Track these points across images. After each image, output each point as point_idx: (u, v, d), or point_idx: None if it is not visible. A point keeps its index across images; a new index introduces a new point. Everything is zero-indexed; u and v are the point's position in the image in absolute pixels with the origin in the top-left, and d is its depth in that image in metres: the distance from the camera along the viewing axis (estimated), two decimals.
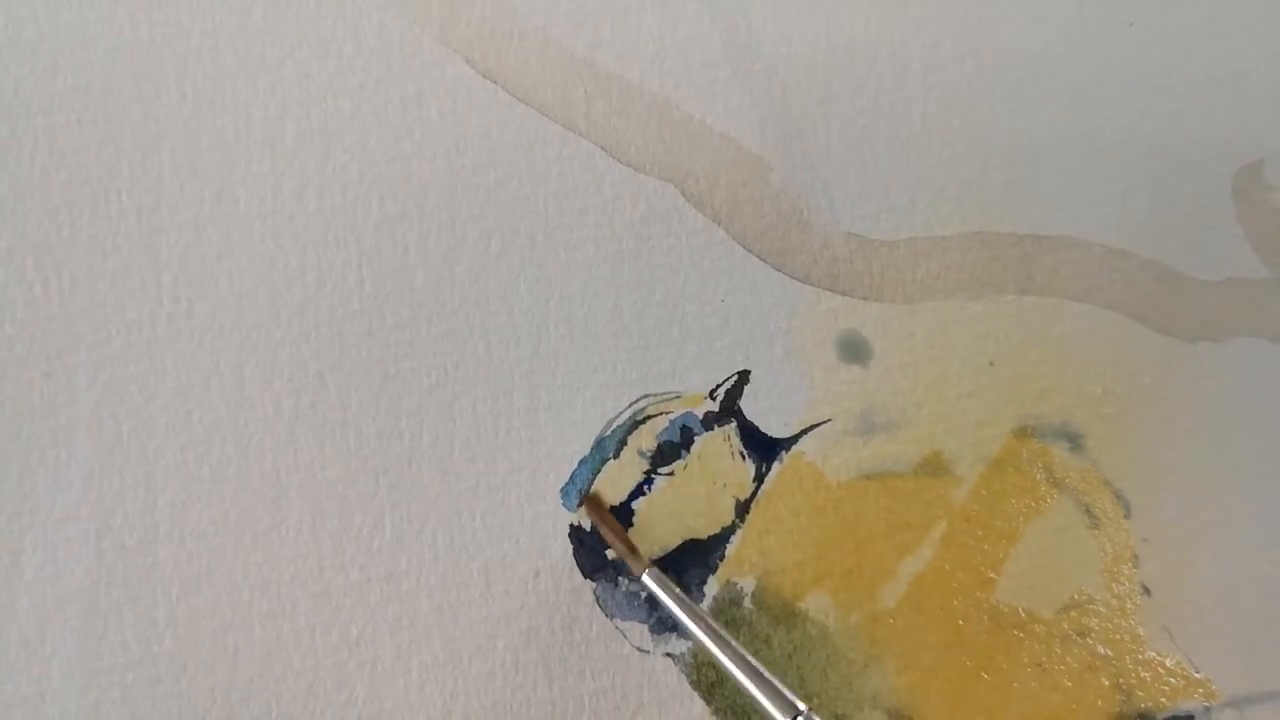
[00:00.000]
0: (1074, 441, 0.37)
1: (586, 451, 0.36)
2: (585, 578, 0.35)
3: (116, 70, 0.35)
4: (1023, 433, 0.37)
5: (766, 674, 0.30)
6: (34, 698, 0.33)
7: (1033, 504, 0.36)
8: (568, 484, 0.35)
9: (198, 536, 0.34)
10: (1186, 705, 0.37)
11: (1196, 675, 0.37)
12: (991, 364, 0.37)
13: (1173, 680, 0.37)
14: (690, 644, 0.35)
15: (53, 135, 0.34)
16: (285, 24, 0.35)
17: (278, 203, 0.35)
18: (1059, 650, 0.36)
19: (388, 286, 0.35)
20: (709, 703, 0.35)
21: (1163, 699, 0.37)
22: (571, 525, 0.35)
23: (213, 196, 0.35)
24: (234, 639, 0.34)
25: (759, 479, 0.36)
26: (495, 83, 0.36)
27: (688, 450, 0.36)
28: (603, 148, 0.36)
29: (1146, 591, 0.37)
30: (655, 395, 0.36)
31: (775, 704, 0.29)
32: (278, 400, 0.35)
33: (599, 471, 0.35)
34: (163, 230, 0.35)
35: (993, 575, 0.36)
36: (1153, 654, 0.37)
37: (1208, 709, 0.37)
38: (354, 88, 0.36)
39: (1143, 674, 0.37)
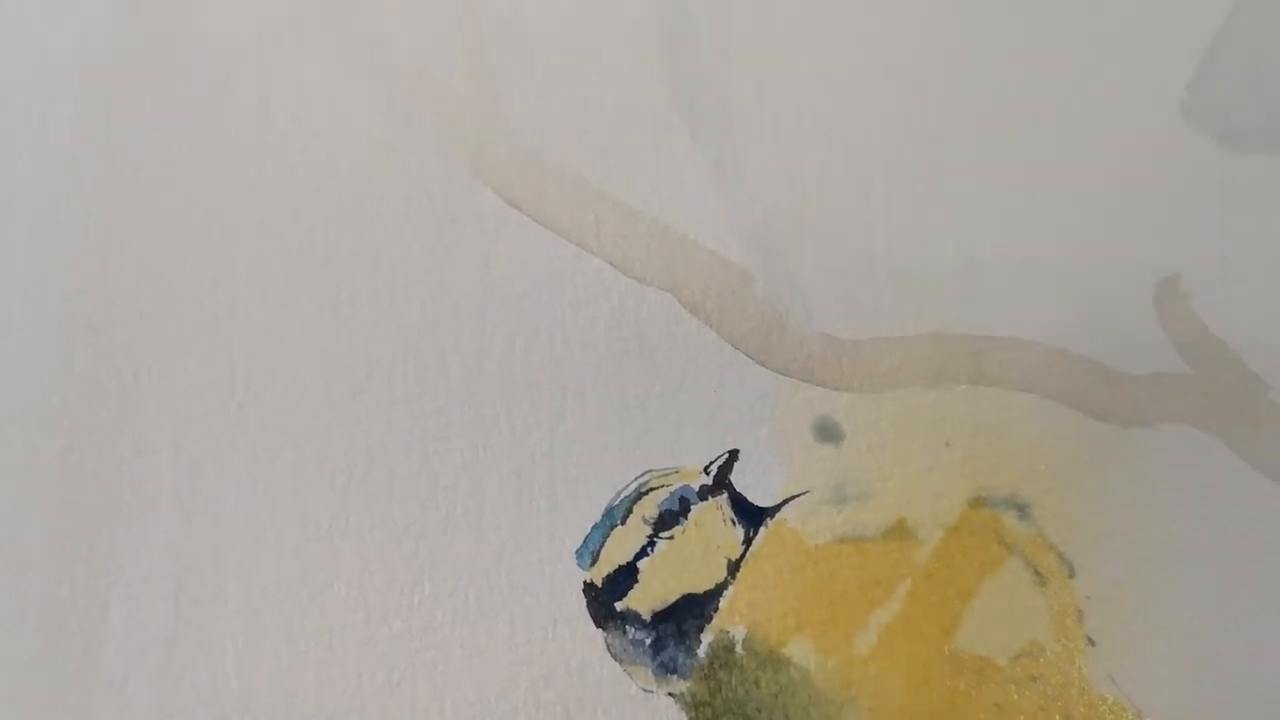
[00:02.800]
0: (1022, 510, 0.42)
1: (598, 518, 0.41)
2: (597, 627, 0.41)
3: (196, 187, 0.42)
4: (977, 502, 0.42)
5: None
6: None
7: (987, 564, 0.42)
8: (582, 546, 0.41)
9: (262, 593, 0.40)
10: None
11: (1141, 717, 0.41)
12: (947, 444, 0.42)
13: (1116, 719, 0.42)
14: (689, 684, 0.40)
15: (142, 243, 0.41)
16: (342, 157, 0.43)
17: (335, 308, 0.42)
18: (1014, 693, 0.41)
19: (427, 379, 0.42)
20: None
21: None
22: (585, 581, 0.41)
23: (279, 302, 0.42)
24: (292, 681, 0.40)
25: (747, 542, 0.41)
26: (519, 209, 0.43)
27: (685, 517, 0.41)
28: (611, 263, 0.43)
29: (1091, 642, 0.42)
30: (657, 471, 0.42)
31: None
32: (333, 474, 0.41)
33: (609, 535, 0.41)
34: (237, 331, 0.41)
35: (953, 626, 0.41)
36: (1098, 696, 0.42)
37: None
38: (399, 212, 0.43)
39: (1090, 715, 0.42)
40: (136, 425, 0.40)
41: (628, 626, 0.40)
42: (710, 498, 0.41)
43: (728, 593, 0.41)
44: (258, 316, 0.41)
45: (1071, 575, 0.41)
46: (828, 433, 0.42)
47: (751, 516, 0.41)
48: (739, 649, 0.40)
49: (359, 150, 0.42)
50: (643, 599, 0.40)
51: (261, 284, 0.41)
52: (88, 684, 0.39)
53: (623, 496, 0.41)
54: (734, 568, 0.41)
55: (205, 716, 0.39)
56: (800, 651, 0.40)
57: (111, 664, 0.39)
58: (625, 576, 0.40)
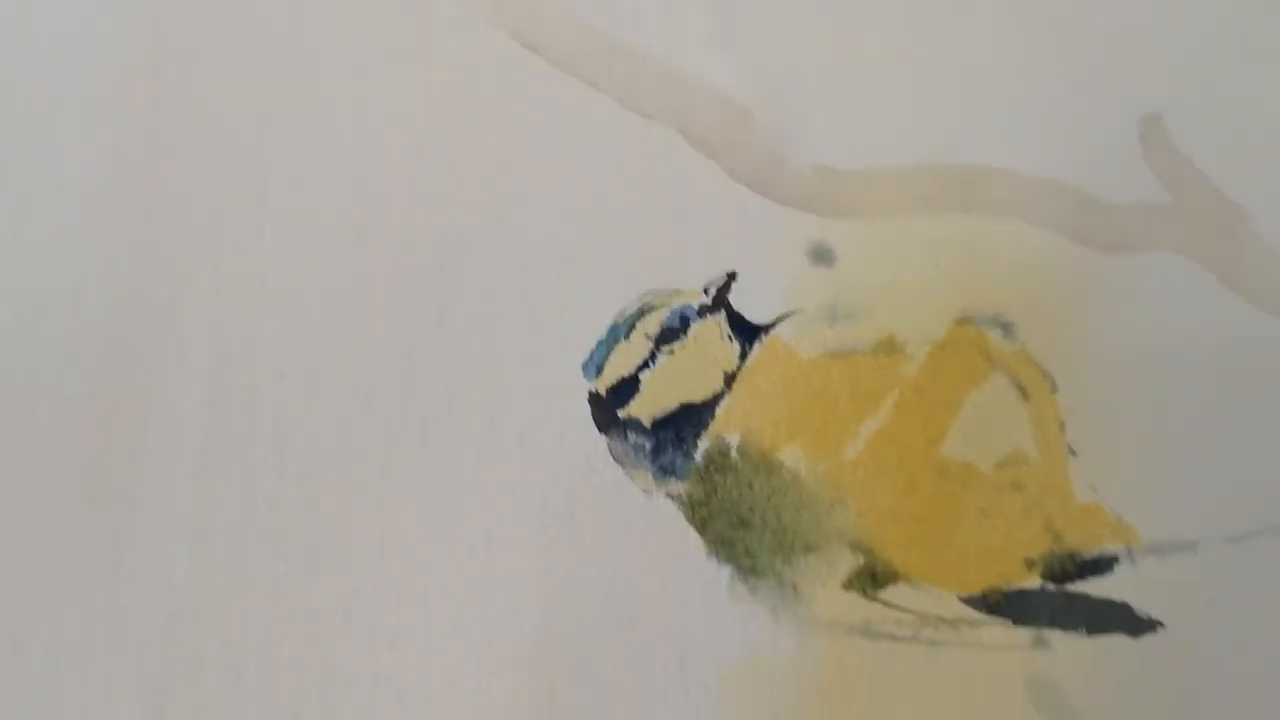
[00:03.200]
0: (1007, 329, 0.45)
1: (604, 335, 0.44)
2: (601, 433, 0.44)
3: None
4: (963, 320, 0.45)
5: None
6: None
7: (972, 378, 0.44)
8: (588, 360, 0.44)
9: (288, 415, 0.44)
10: (1111, 547, 0.44)
11: (1120, 521, 0.44)
12: (937, 267, 0.45)
13: (1099, 526, 0.44)
14: (687, 486, 0.43)
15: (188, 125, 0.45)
16: (362, 6, 0.46)
17: (359, 149, 0.45)
18: (998, 499, 0.44)
19: (445, 213, 0.45)
20: (702, 535, 0.43)
21: (1089, 541, 0.44)
22: (591, 392, 0.44)
23: (308, 156, 0.45)
24: (314, 485, 0.43)
25: (743, 356, 0.44)
26: (534, 51, 0.46)
27: (685, 334, 0.44)
28: (620, 101, 0.46)
29: (1073, 453, 0.44)
30: (659, 291, 0.45)
31: None
32: (355, 308, 0.44)
33: (613, 350, 0.44)
34: (269, 188, 0.45)
35: (939, 435, 0.44)
36: (1080, 504, 0.44)
37: (1130, 552, 0.44)
38: (419, 56, 0.46)
39: (1071, 519, 0.44)
40: (177, 267, 0.44)
41: (629, 433, 0.43)
42: (709, 316, 0.43)
43: (724, 402, 0.43)
44: (288, 173, 0.44)
45: (1054, 389, 0.44)
46: (822, 256, 0.44)
47: (748, 333, 0.44)
48: (734, 454, 0.43)
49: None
50: (644, 407, 0.43)
51: (292, 136, 0.44)
52: (129, 493, 0.42)
53: (627, 315, 0.44)
54: (730, 380, 0.43)
55: (236, 521, 0.42)
56: (792, 457, 0.43)
57: (151, 476, 0.42)
58: (628, 387, 0.43)
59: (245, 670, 0.42)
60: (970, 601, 0.43)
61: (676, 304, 0.44)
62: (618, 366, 0.43)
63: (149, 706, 0.42)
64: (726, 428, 0.43)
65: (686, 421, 0.43)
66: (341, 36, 0.46)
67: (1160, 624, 0.43)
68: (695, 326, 0.44)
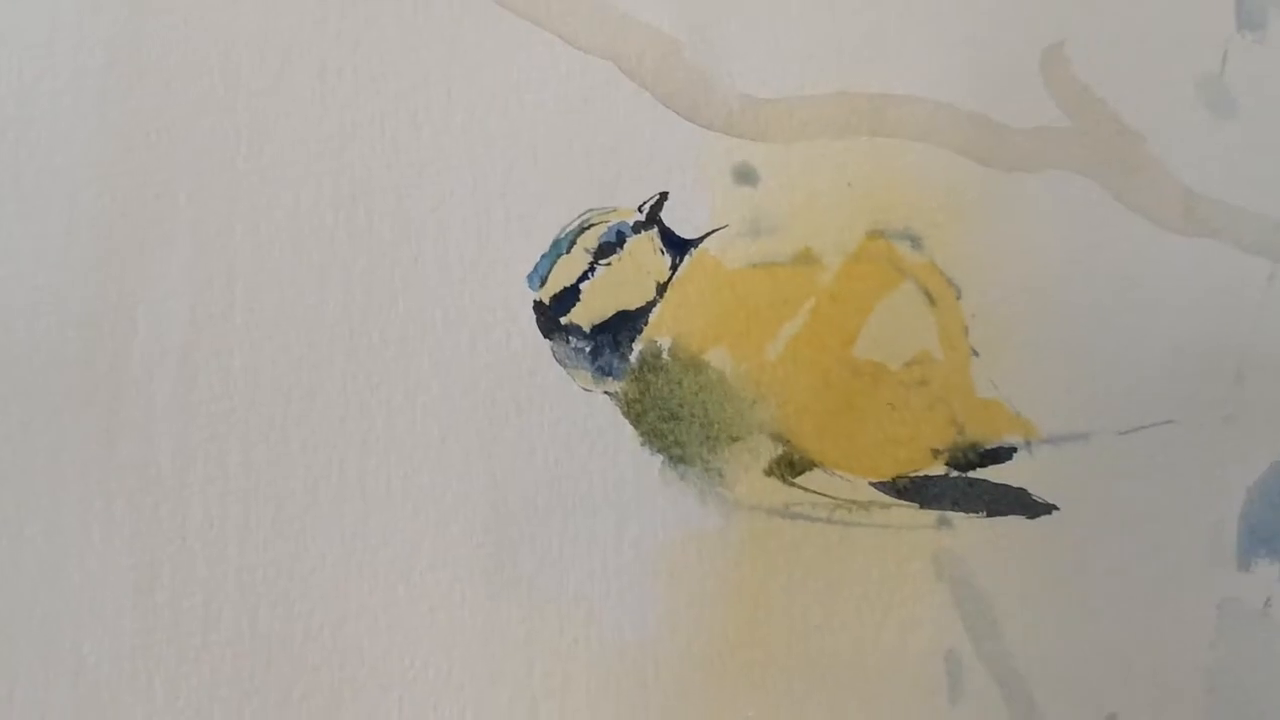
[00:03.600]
0: (915, 241, 0.49)
1: (547, 249, 0.49)
2: (544, 338, 0.49)
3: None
4: (874, 234, 0.49)
5: None
6: None
7: (883, 285, 0.49)
8: (532, 272, 0.49)
9: (264, 310, 0.48)
10: (1010, 439, 0.49)
11: (1019, 416, 0.49)
12: (849, 185, 0.49)
13: (999, 419, 0.49)
14: (623, 384, 0.48)
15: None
16: None
17: (324, 81, 0.50)
18: (905, 394, 0.49)
19: (401, 138, 0.49)
20: (636, 427, 0.48)
21: (990, 433, 0.49)
22: (535, 301, 0.49)
23: (274, 80, 0.50)
24: (288, 382, 0.48)
25: (674, 268, 0.49)
26: None
27: (621, 248, 0.49)
28: (560, 36, 0.50)
29: (976, 353, 0.49)
30: (598, 210, 0.49)
31: None
32: (321, 217, 0.49)
33: (555, 263, 0.49)
34: (241, 106, 0.49)
35: (851, 337, 0.49)
36: (982, 400, 0.49)
37: (1028, 443, 0.49)
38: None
39: (974, 414, 0.49)
40: (160, 175, 0.48)
41: (570, 337, 0.48)
42: (643, 231, 0.48)
43: (656, 309, 0.48)
44: (258, 95, 0.49)
45: (959, 296, 0.48)
46: (745, 177, 0.49)
47: (678, 247, 0.48)
48: (665, 355, 0.48)
49: None
50: (583, 314, 0.48)
51: (261, 64, 0.49)
52: (117, 382, 0.47)
53: (567, 231, 0.48)
54: (662, 289, 0.48)
55: (216, 409, 0.47)
56: (718, 357, 0.48)
57: (137, 366, 0.47)
58: (569, 296, 0.48)
59: (227, 549, 0.47)
60: (880, 486, 0.48)
61: (614, 221, 0.48)
62: (560, 278, 0.48)
63: (139, 582, 0.47)
64: (659, 332, 0.48)
65: (622, 327, 0.48)
66: None
67: (1055, 507, 0.48)
68: (631, 241, 0.48)
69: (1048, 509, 0.47)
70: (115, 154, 0.48)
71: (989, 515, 0.47)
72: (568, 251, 0.47)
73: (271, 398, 0.47)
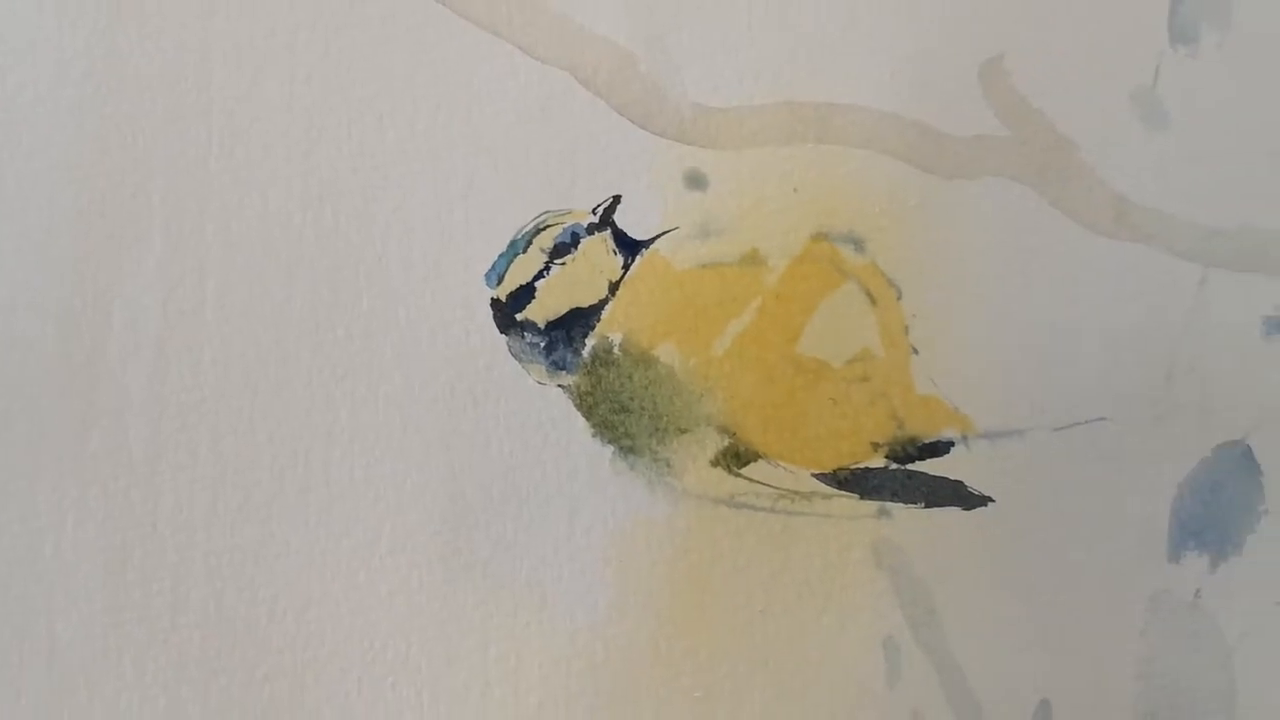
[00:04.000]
0: (858, 244, 0.51)
1: (504, 249, 0.51)
2: (501, 333, 0.51)
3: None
4: (819, 237, 0.51)
5: None
6: None
7: (826, 286, 0.51)
8: (490, 270, 0.51)
9: (233, 306, 0.51)
10: (948, 433, 0.51)
11: (957, 412, 0.51)
12: (795, 190, 0.52)
13: (937, 415, 0.51)
14: (575, 378, 0.50)
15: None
16: None
17: (293, 88, 0.52)
18: (847, 389, 0.51)
19: (366, 142, 0.51)
20: (588, 419, 0.50)
21: (929, 427, 0.51)
22: (492, 298, 0.51)
23: (249, 84, 0.52)
24: (255, 377, 0.50)
25: (626, 267, 0.51)
26: (443, 4, 0.53)
27: (575, 248, 0.51)
28: (519, 47, 0.53)
29: (915, 351, 0.51)
30: (553, 211, 0.52)
31: None
32: (289, 215, 0.51)
33: (512, 262, 0.51)
34: (214, 103, 0.52)
35: (795, 335, 0.51)
36: (921, 396, 0.51)
37: (965, 438, 0.51)
38: (344, 12, 0.53)
39: (913, 410, 0.51)
40: (135, 177, 0.51)
41: (526, 333, 0.50)
42: (597, 233, 0.50)
43: (608, 307, 0.50)
44: (230, 101, 0.51)
45: (900, 297, 0.51)
46: (696, 182, 0.51)
47: (630, 247, 0.50)
48: (616, 351, 0.50)
49: None
50: (538, 311, 0.50)
51: (233, 72, 0.52)
52: (93, 374, 0.50)
53: (524, 231, 0.50)
54: (614, 288, 0.50)
55: (187, 400, 0.49)
56: (667, 353, 0.50)
57: (113, 359, 0.49)
58: (525, 294, 0.50)
59: (195, 535, 0.49)
60: (822, 478, 0.50)
61: (569, 222, 0.50)
62: (516, 276, 0.50)
63: (110, 565, 0.49)
64: (610, 328, 0.50)
65: (575, 323, 0.50)
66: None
67: (990, 499, 0.50)
68: (585, 242, 0.50)
69: (983, 501, 0.49)
70: (92, 157, 0.50)
71: (927, 506, 0.49)
72: (524, 251, 0.49)
73: (240, 390, 0.49)
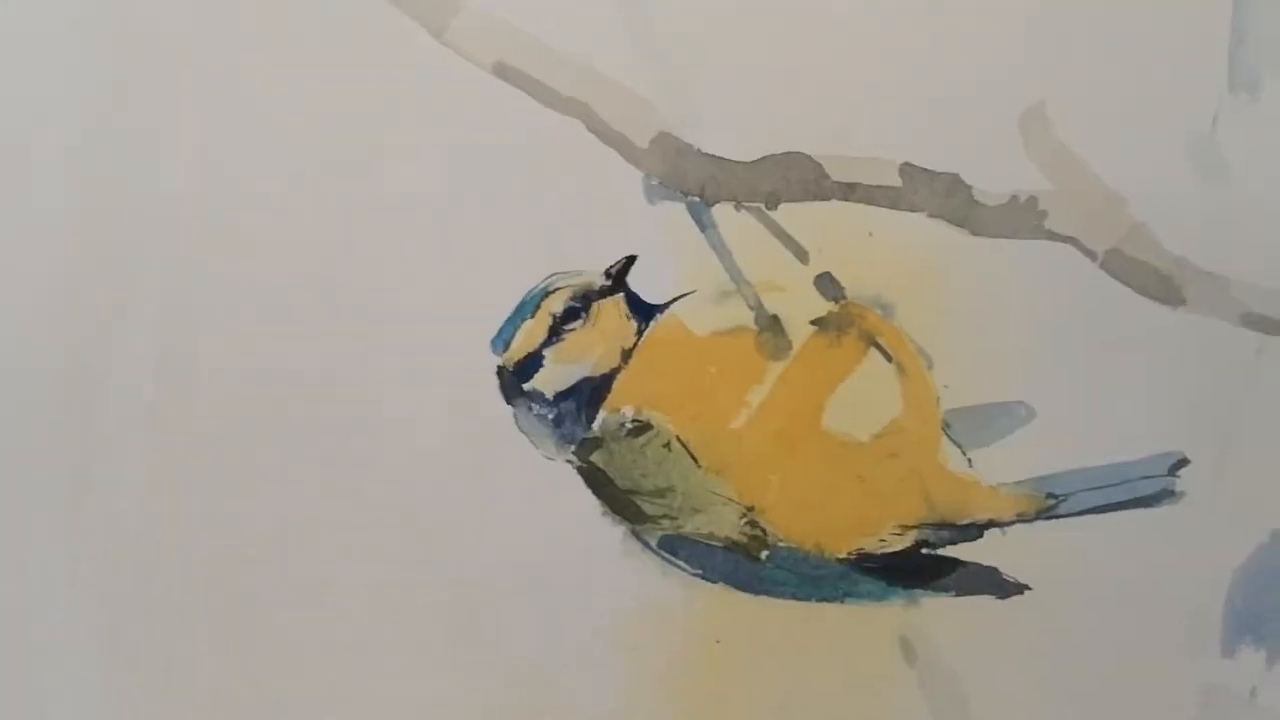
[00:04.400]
0: (886, 309, 0.48)
1: (511, 312, 0.48)
2: (507, 404, 0.48)
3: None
4: (844, 302, 0.48)
5: None
6: None
7: (852, 355, 0.48)
8: (496, 336, 0.48)
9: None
10: (982, 515, 0.48)
11: (993, 492, 0.47)
12: (820, 251, 0.49)
13: (971, 496, 0.48)
14: (585, 453, 0.47)
15: None
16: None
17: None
18: (875, 467, 0.48)
19: (370, 203, 0.49)
20: (599, 497, 0.47)
21: (961, 509, 0.48)
22: (498, 366, 0.48)
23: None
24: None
25: (640, 333, 0.48)
26: (445, 45, 0.50)
27: (586, 313, 0.48)
28: (532, 96, 0.50)
29: (948, 425, 0.48)
30: (564, 273, 0.49)
31: None
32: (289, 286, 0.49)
33: (519, 327, 0.48)
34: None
35: (820, 407, 0.48)
36: (954, 474, 0.48)
37: (1000, 520, 0.48)
38: (353, 66, 0.50)
39: (945, 489, 0.48)
40: (128, 244, 0.49)
41: (533, 404, 0.47)
42: (609, 296, 0.47)
43: (621, 376, 0.47)
44: (228, 154, 0.49)
45: (930, 367, 0.47)
46: (715, 243, 0.48)
47: (645, 312, 0.47)
48: (628, 424, 0.47)
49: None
50: (546, 381, 0.47)
51: (232, 143, 0.49)
52: (86, 441, 0.47)
53: (532, 295, 0.47)
54: (627, 355, 0.47)
55: (181, 473, 0.47)
56: (682, 426, 0.47)
57: (109, 424, 0.47)
58: (532, 362, 0.47)
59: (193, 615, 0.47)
60: (846, 562, 0.47)
61: (579, 285, 0.47)
62: (524, 342, 0.47)
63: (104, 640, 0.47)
64: (623, 399, 0.47)
65: (586, 394, 0.47)
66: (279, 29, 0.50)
67: (1027, 587, 0.46)
68: (596, 306, 0.47)
69: (1020, 589, 0.46)
70: (85, 223, 0.48)
71: (958, 594, 0.46)
72: (532, 315, 0.47)
73: (235, 466, 0.47)
